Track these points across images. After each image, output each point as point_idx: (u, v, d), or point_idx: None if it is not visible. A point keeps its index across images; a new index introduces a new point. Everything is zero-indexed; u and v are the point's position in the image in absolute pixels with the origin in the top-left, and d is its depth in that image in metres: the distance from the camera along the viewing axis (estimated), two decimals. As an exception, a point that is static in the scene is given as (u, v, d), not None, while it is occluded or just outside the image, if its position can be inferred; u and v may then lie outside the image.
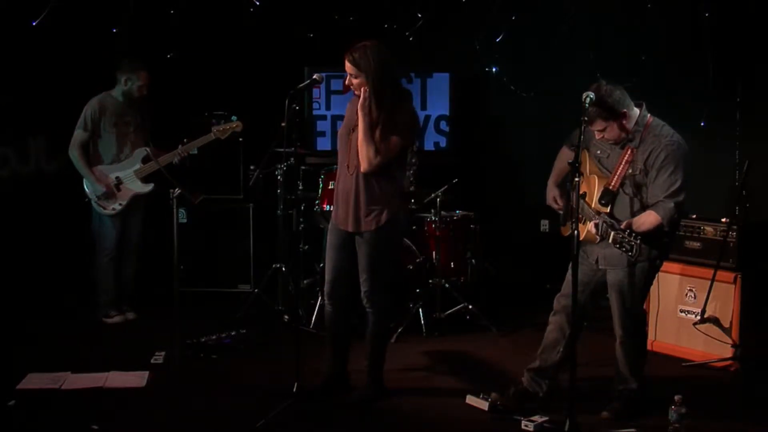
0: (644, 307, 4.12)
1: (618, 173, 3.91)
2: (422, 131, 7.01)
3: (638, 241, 3.68)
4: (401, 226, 4.25)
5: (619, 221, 3.83)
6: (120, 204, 5.57)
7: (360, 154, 4.04)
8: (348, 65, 4.00)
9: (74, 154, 5.52)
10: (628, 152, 3.91)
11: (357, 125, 4.09)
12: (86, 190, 5.56)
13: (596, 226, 3.82)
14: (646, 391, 4.11)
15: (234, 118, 5.54)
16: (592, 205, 3.95)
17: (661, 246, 3.95)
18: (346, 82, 4.07)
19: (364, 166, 4.04)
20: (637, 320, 4.07)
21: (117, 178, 5.56)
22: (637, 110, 3.92)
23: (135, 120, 5.62)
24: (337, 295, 4.27)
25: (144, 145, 5.63)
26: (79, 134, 5.52)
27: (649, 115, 3.95)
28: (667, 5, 5.90)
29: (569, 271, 4.05)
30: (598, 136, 3.97)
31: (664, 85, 5.92)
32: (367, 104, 4.02)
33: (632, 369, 4.07)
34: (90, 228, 5.64)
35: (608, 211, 3.92)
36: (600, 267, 4.05)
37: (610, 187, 3.92)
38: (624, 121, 3.87)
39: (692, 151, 3.97)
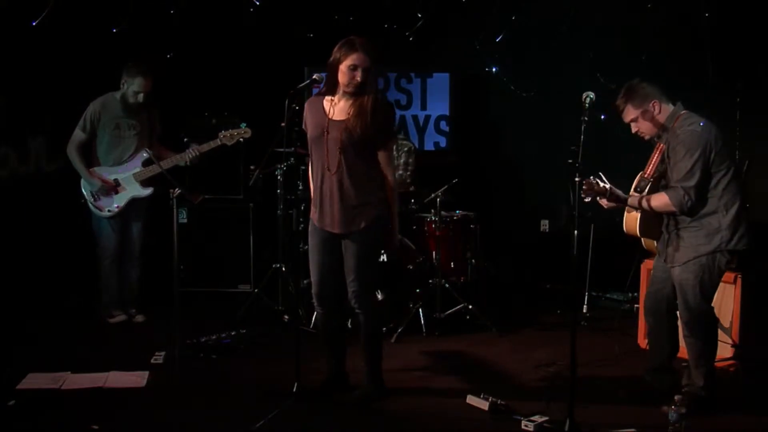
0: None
1: (653, 163, 4.05)
2: (422, 131, 7.05)
3: (605, 186, 3.96)
4: (386, 222, 4.19)
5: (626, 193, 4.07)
6: (117, 206, 5.53)
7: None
8: (364, 57, 3.92)
9: (71, 152, 5.49)
10: (660, 147, 4.05)
11: (329, 126, 4.04)
12: (83, 190, 5.54)
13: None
14: (714, 394, 4.08)
15: (243, 125, 5.46)
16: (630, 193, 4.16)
17: (715, 241, 3.95)
18: (357, 77, 3.95)
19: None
20: (698, 318, 4.02)
21: (115, 180, 5.52)
22: (671, 106, 4.05)
23: (139, 123, 5.56)
24: (326, 296, 4.23)
25: (147, 148, 5.58)
26: (77, 134, 5.50)
27: (683, 111, 4.04)
28: (667, 5, 5.91)
29: (653, 269, 4.24)
30: (633, 129, 4.10)
31: (664, 85, 5.91)
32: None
33: (697, 367, 4.06)
34: (91, 230, 5.63)
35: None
36: (667, 264, 4.11)
37: (645, 176, 4.06)
38: (655, 114, 4.01)
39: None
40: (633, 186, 4.16)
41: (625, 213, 4.20)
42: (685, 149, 3.89)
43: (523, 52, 6.76)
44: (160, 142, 5.69)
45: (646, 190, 4.06)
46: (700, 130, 3.91)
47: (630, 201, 4.07)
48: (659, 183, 4.08)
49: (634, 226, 4.17)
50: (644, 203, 4.00)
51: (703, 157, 3.88)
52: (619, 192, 4.07)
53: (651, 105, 4.01)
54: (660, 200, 3.96)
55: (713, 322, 4.12)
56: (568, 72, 6.41)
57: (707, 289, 4.01)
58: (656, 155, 4.04)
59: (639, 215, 4.14)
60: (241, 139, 5.43)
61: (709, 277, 3.99)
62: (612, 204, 4.10)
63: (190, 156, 5.45)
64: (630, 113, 4.05)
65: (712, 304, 4.04)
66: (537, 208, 6.98)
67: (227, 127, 5.42)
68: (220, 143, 5.41)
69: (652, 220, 4.14)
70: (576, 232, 3.71)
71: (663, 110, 4.03)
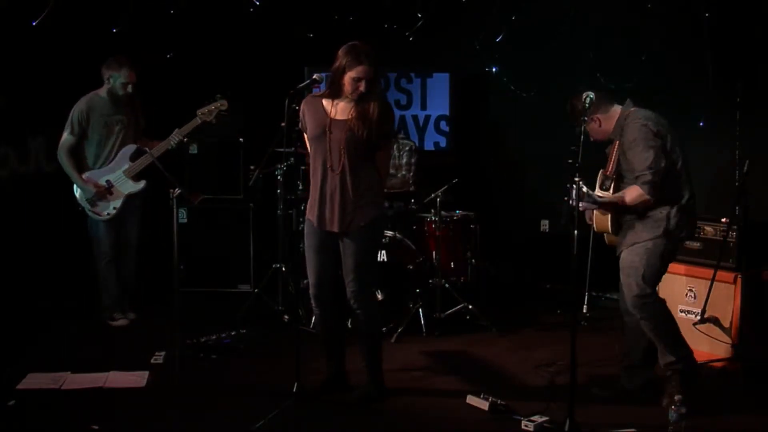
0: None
1: (612, 160, 4.14)
2: (422, 131, 7.04)
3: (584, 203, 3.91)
4: (385, 221, 4.20)
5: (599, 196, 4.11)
6: (114, 208, 5.51)
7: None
8: (369, 69, 3.94)
9: (62, 157, 5.44)
10: (617, 144, 4.13)
11: (332, 125, 4.05)
12: (76, 195, 5.52)
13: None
14: (694, 364, 4.14)
15: (218, 96, 5.41)
16: (595, 192, 4.16)
17: (660, 227, 4.04)
18: (361, 88, 3.96)
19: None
20: (643, 299, 4.08)
21: (107, 181, 5.48)
22: (618, 108, 4.16)
23: (125, 117, 5.52)
24: (324, 297, 4.23)
25: (132, 142, 5.54)
26: (67, 138, 5.43)
27: (632, 108, 4.14)
28: (667, 5, 5.91)
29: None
30: (591, 138, 4.19)
31: (664, 85, 5.93)
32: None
33: (662, 343, 4.11)
34: (87, 233, 5.62)
35: (610, 193, 4.16)
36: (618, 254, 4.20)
37: (607, 173, 4.16)
38: (596, 125, 4.17)
39: (692, 150, 4.02)
40: (597, 184, 4.23)
41: (595, 213, 4.21)
42: (642, 142, 3.99)
43: (523, 52, 6.75)
44: (144, 135, 5.65)
45: (612, 188, 4.16)
46: (649, 124, 4.02)
47: (605, 201, 4.10)
48: (621, 179, 4.17)
49: (607, 225, 4.20)
50: (620, 202, 4.08)
51: (659, 144, 3.99)
52: (596, 196, 4.10)
53: (594, 121, 4.17)
54: (633, 193, 4.03)
55: (660, 301, 4.16)
56: (568, 72, 6.40)
57: (651, 273, 4.09)
58: (614, 152, 4.15)
59: (610, 215, 4.17)
60: (221, 113, 5.38)
61: (654, 261, 4.07)
62: (588, 205, 4.14)
63: (175, 140, 5.40)
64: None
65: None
66: (537, 208, 6.97)
67: (203, 105, 5.38)
68: (200, 121, 5.37)
69: (621, 217, 4.22)
70: (576, 232, 3.72)
71: (605, 120, 4.16)
